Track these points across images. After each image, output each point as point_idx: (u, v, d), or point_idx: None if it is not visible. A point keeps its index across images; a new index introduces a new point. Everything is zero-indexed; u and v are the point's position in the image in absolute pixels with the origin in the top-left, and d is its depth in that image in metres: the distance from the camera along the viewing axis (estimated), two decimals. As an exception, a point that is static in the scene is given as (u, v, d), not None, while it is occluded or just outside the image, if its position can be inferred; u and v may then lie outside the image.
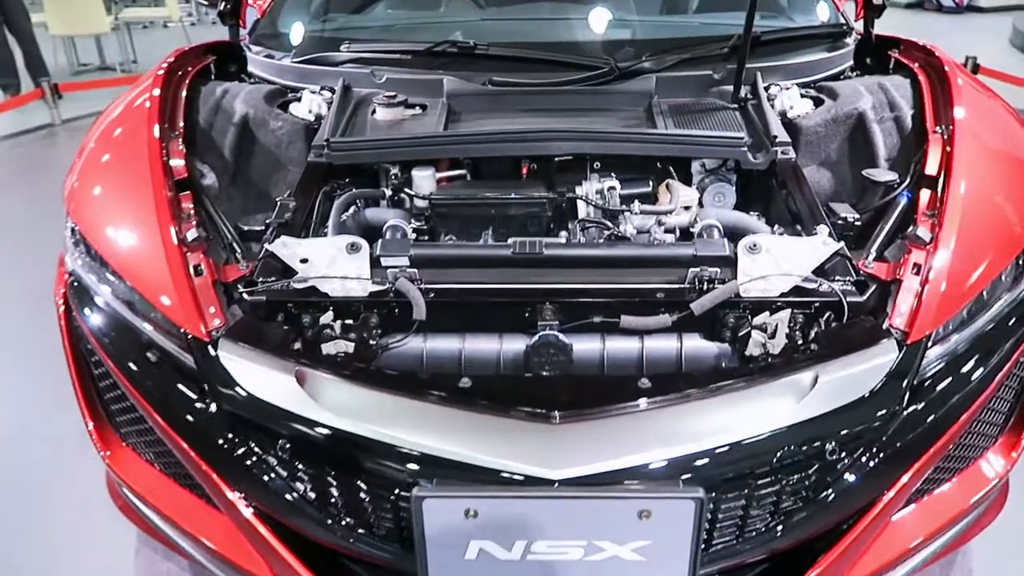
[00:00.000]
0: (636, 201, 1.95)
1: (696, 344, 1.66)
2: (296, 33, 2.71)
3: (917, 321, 1.52)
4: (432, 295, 1.64)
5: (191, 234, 1.71)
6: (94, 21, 7.74)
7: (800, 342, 1.60)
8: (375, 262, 1.68)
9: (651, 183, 2.07)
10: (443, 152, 2.07)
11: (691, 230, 1.82)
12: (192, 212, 1.80)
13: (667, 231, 1.96)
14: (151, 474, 1.80)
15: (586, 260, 1.68)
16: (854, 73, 2.60)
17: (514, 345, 1.65)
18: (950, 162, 1.83)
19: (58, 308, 1.92)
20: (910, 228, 1.75)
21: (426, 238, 2.03)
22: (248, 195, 2.18)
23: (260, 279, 1.67)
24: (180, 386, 1.56)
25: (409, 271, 1.64)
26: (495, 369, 1.65)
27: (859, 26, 2.75)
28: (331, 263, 1.66)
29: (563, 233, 1.96)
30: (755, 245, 1.64)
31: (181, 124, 2.09)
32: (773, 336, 1.60)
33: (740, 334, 1.60)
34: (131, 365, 1.64)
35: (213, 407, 1.51)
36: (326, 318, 1.62)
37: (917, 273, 1.61)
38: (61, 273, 1.96)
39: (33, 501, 2.47)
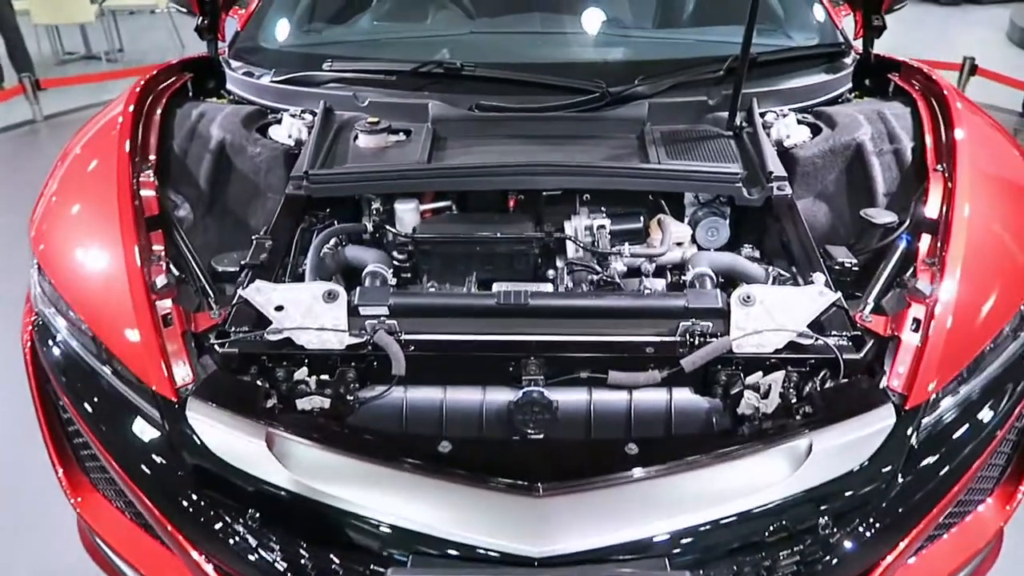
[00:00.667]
0: (626, 244, 1.89)
1: (686, 399, 1.60)
2: (276, 49, 2.61)
3: (916, 385, 1.47)
4: (412, 348, 1.57)
5: (160, 280, 1.63)
6: (78, 10, 7.57)
7: (794, 400, 1.54)
8: (353, 311, 1.61)
9: (642, 218, 2.00)
10: (427, 186, 1.99)
11: (683, 278, 1.75)
12: (163, 254, 1.72)
13: (658, 268, 1.90)
14: (121, 523, 1.73)
15: (573, 311, 1.61)
16: (852, 95, 2.52)
17: (498, 398, 1.59)
18: (951, 204, 1.77)
19: (24, 347, 1.84)
20: (908, 276, 1.69)
21: (408, 275, 1.97)
22: (225, 225, 2.10)
23: (233, 328, 1.60)
24: (146, 443, 1.49)
25: (388, 323, 1.57)
26: (478, 425, 1.59)
27: (858, 43, 2.68)
28: (307, 312, 1.59)
29: (551, 272, 1.90)
30: (749, 297, 1.58)
31: (153, 154, 2.00)
32: (766, 396, 1.54)
33: (732, 392, 1.54)
34: (96, 417, 1.58)
35: (180, 468, 1.44)
36: (300, 374, 1.55)
37: (916, 329, 1.55)
38: (28, 309, 1.88)
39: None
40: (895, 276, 1.77)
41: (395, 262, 1.98)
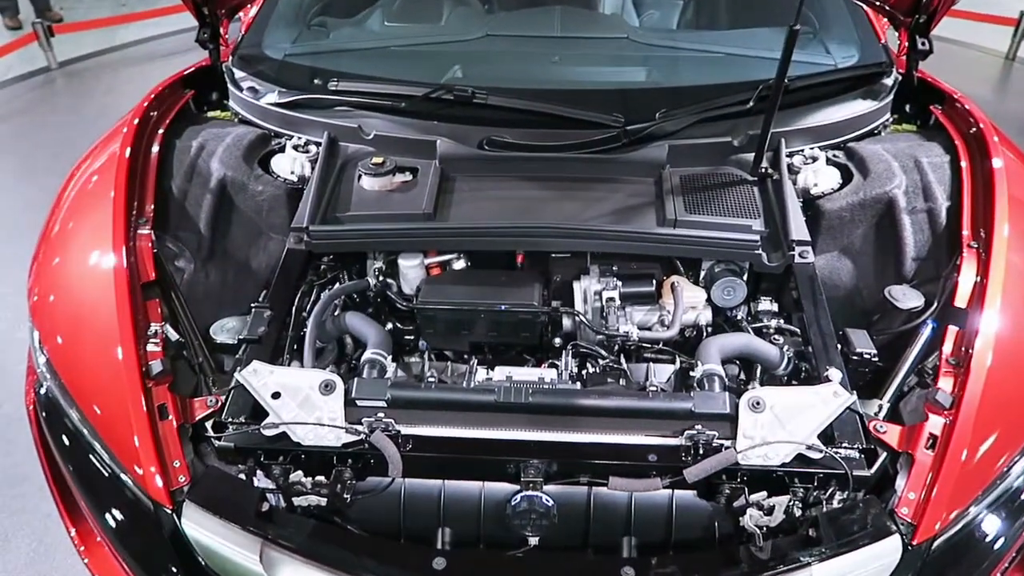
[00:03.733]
0: (633, 320, 1.82)
1: (689, 502, 1.56)
2: (280, 60, 2.49)
3: (926, 515, 1.41)
4: (410, 446, 1.54)
5: (156, 366, 1.60)
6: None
7: (799, 514, 1.50)
8: (350, 402, 1.57)
9: (654, 281, 1.91)
10: (431, 244, 1.92)
11: (692, 373, 1.69)
12: (160, 330, 1.68)
13: (669, 336, 1.83)
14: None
15: (575, 410, 1.56)
16: (891, 122, 2.36)
17: (496, 495, 1.56)
18: (983, 295, 1.66)
19: (28, 409, 1.85)
20: (929, 375, 1.61)
21: (411, 337, 1.93)
22: (227, 269, 2.05)
23: (229, 419, 1.57)
24: (139, 544, 1.50)
25: (385, 420, 1.54)
26: (476, 521, 1.57)
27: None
28: (304, 402, 1.56)
29: (557, 341, 1.84)
30: (759, 403, 1.52)
31: (151, 202, 1.94)
32: (770, 513, 1.49)
33: (735, 504, 1.50)
34: (93, 498, 1.59)
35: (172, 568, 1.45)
36: (296, 476, 1.54)
37: (932, 447, 1.48)
38: (30, 367, 1.88)
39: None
40: (916, 366, 1.69)
41: (397, 325, 1.94)
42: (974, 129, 2.12)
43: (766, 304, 1.95)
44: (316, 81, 2.32)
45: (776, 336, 1.85)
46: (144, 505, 1.50)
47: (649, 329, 1.90)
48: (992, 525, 1.48)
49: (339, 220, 1.95)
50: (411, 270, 1.94)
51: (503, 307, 1.78)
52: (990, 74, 6.39)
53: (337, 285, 1.92)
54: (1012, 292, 1.68)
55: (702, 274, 1.97)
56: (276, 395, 1.56)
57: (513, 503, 1.51)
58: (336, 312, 1.87)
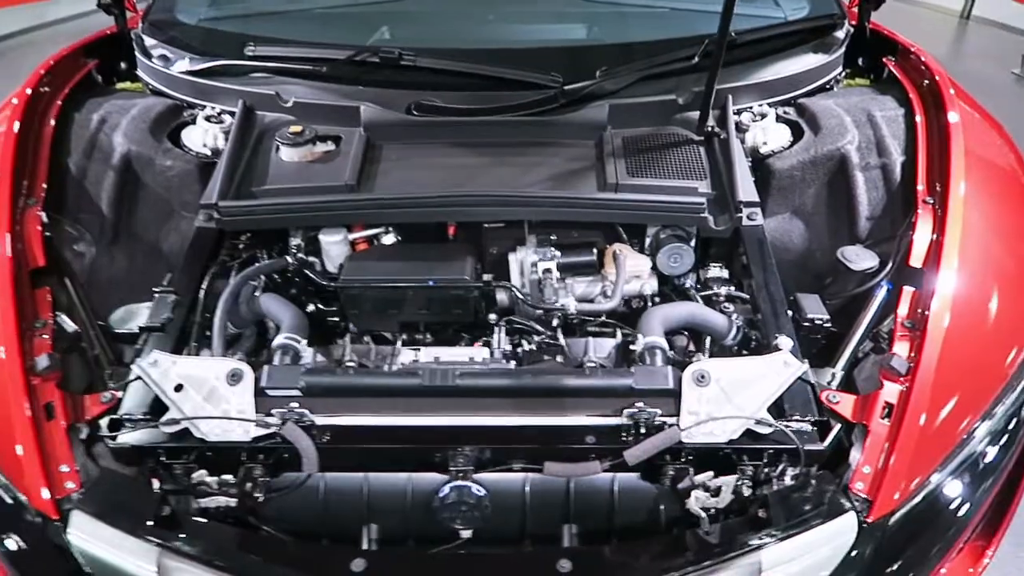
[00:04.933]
0: (572, 291, 1.70)
1: (632, 485, 1.45)
2: (194, 25, 2.30)
3: (883, 489, 1.31)
4: (327, 437, 1.41)
5: (42, 361, 1.44)
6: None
7: (748, 493, 1.39)
8: (261, 392, 1.43)
9: (595, 250, 1.79)
10: (354, 218, 1.77)
11: (631, 347, 1.57)
12: (49, 322, 1.52)
13: (610, 308, 1.71)
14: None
15: (506, 391, 1.44)
16: (843, 76, 2.25)
17: (425, 486, 1.44)
18: (939, 251, 1.57)
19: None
20: (884, 338, 1.52)
21: (336, 318, 1.79)
22: (135, 253, 1.89)
23: (125, 416, 1.42)
24: (21, 561, 1.34)
25: (298, 410, 1.40)
26: (403, 515, 1.45)
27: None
28: (210, 394, 1.41)
29: (492, 316, 1.71)
30: (703, 376, 1.40)
31: (44, 181, 1.76)
32: (717, 494, 1.39)
33: (680, 486, 1.39)
34: None
35: None
36: (199, 475, 1.39)
37: (889, 416, 1.39)
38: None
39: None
40: (871, 331, 1.59)
41: (319, 306, 1.79)
42: (929, 81, 2.02)
43: (716, 271, 1.84)
44: (231, 46, 2.14)
45: (726, 304, 1.74)
46: (29, 518, 1.35)
47: (591, 301, 1.78)
48: (955, 493, 1.39)
49: (254, 195, 1.79)
50: (334, 246, 1.79)
51: (431, 283, 1.65)
52: (945, 33, 6.34)
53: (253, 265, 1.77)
54: (969, 249, 1.59)
55: (647, 241, 1.85)
56: (179, 388, 1.42)
57: (441, 495, 1.39)
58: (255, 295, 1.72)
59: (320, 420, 1.41)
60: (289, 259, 1.77)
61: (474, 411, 1.42)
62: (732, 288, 1.77)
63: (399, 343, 1.63)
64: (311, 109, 1.98)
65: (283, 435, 1.38)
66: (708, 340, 1.71)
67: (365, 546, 1.45)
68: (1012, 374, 1.51)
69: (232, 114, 1.99)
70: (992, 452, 1.46)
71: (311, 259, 1.82)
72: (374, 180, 1.82)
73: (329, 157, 1.87)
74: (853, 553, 1.28)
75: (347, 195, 1.76)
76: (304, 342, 1.55)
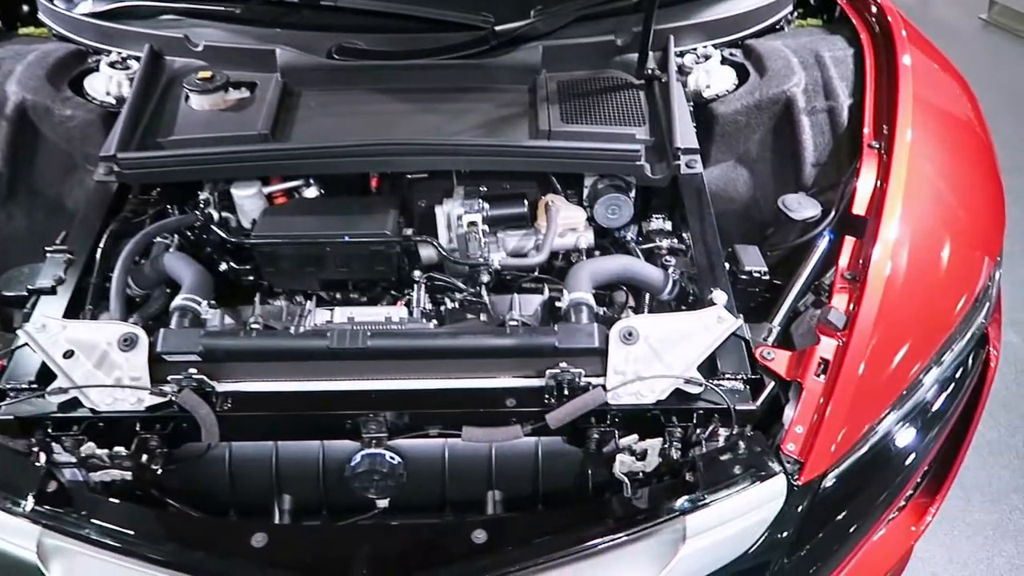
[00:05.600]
0: (501, 243, 1.60)
1: (557, 452, 1.37)
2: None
3: (815, 450, 1.25)
4: (229, 404, 1.32)
5: None
6: None
7: (676, 456, 1.32)
8: (157, 358, 1.33)
9: (526, 202, 1.69)
10: (267, 170, 1.65)
11: (557, 304, 1.48)
12: None
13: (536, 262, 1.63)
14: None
15: (421, 353, 1.35)
16: (794, 16, 2.15)
17: (338, 455, 1.35)
18: (883, 199, 1.49)
19: None
20: (823, 291, 1.44)
21: (251, 278, 1.68)
22: (34, 210, 1.75)
23: (10, 385, 1.31)
24: None
25: (197, 376, 1.30)
26: (316, 485, 1.37)
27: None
28: (101, 361, 1.31)
29: (416, 273, 1.61)
30: (631, 333, 1.32)
31: None
32: (644, 458, 1.32)
33: (606, 450, 1.32)
34: None
35: None
36: (88, 449, 1.29)
37: (824, 372, 1.31)
38: None
39: None
40: (812, 283, 1.51)
41: (233, 265, 1.68)
42: (880, 22, 1.92)
43: (658, 223, 1.75)
44: None
45: (668, 258, 1.65)
46: None
47: (524, 256, 1.68)
48: (899, 444, 1.35)
49: (160, 146, 1.66)
50: (247, 200, 1.67)
51: (346, 238, 1.54)
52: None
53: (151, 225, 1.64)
54: (915, 197, 1.52)
55: (585, 192, 1.75)
56: (68, 354, 1.31)
57: (352, 464, 1.30)
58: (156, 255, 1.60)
59: (221, 387, 1.32)
60: (197, 215, 1.65)
61: (387, 374, 1.34)
62: (675, 241, 1.68)
63: (309, 303, 1.53)
64: (223, 53, 1.85)
65: (179, 403, 1.28)
66: (648, 296, 1.63)
67: (277, 518, 1.37)
68: (959, 322, 1.46)
69: (138, 59, 1.85)
70: (939, 400, 1.42)
71: (225, 215, 1.71)
72: (291, 129, 1.71)
73: (242, 105, 1.75)
74: (782, 517, 1.22)
75: (260, 145, 1.64)
76: (205, 303, 1.44)
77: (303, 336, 1.37)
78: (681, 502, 1.21)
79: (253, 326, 1.39)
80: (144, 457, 1.30)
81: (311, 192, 1.72)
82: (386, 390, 1.33)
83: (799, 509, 1.23)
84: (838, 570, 1.36)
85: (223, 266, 1.68)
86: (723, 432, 1.33)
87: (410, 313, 1.49)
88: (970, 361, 1.51)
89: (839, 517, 1.31)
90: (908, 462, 1.37)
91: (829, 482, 1.27)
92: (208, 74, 1.74)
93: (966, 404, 1.54)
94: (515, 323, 1.39)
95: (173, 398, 1.29)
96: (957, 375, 1.47)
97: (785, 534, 1.24)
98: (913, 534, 1.61)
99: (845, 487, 1.29)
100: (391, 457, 1.30)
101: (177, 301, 1.43)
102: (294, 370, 1.35)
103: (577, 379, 1.31)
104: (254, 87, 1.78)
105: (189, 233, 1.70)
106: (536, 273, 1.68)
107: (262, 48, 1.82)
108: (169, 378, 1.30)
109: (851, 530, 1.31)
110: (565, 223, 1.67)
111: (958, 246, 1.54)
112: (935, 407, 1.41)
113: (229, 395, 1.32)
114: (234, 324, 1.51)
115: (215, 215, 1.67)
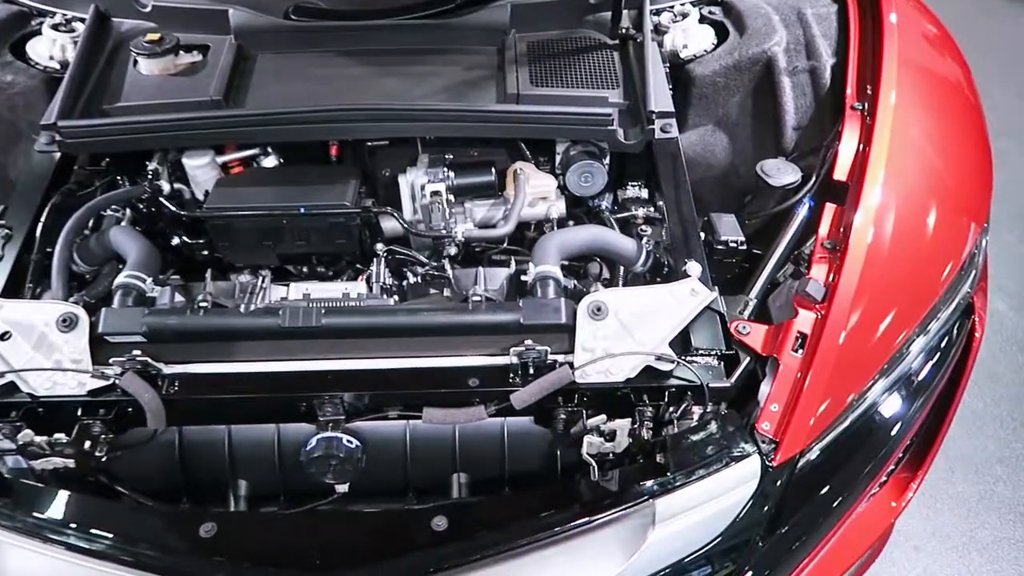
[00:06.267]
0: (468, 222, 1.53)
1: (525, 433, 1.32)
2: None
3: (790, 430, 1.19)
4: (176, 388, 1.25)
5: None
6: None
7: (647, 437, 1.26)
8: (99, 339, 1.25)
9: (493, 169, 1.60)
10: (220, 138, 1.56)
11: (523, 278, 1.40)
12: None
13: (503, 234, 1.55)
14: None
15: (378, 331, 1.28)
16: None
17: (295, 438, 1.29)
18: (865, 163, 1.42)
19: None
20: (803, 262, 1.38)
21: (205, 252, 1.60)
22: (-25, 182, 1.66)
23: None
24: None
25: (141, 358, 1.23)
26: (273, 470, 1.30)
27: None
28: (40, 342, 1.24)
29: (379, 246, 1.54)
30: (600, 308, 1.25)
31: None
32: (613, 439, 1.26)
33: (574, 431, 1.26)
34: None
35: None
36: (25, 437, 1.22)
37: (801, 348, 1.25)
38: None
39: None
40: (791, 253, 1.45)
41: (186, 240, 1.60)
42: None
43: (634, 190, 1.67)
44: None
45: (644, 227, 1.58)
46: None
47: (493, 226, 1.61)
48: (883, 416, 1.29)
49: (105, 113, 1.57)
50: (200, 171, 1.59)
51: (301, 210, 1.46)
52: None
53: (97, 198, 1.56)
54: (900, 161, 1.45)
55: (557, 159, 1.67)
56: (5, 336, 1.24)
57: (308, 448, 1.24)
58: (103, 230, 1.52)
59: (167, 369, 1.25)
60: (145, 186, 1.56)
61: (343, 353, 1.27)
62: (651, 209, 1.61)
63: (262, 279, 1.45)
64: (173, 14, 1.74)
65: (122, 387, 1.21)
66: (623, 268, 1.56)
67: (232, 504, 1.31)
68: (945, 290, 1.41)
69: (83, 21, 1.74)
70: (924, 370, 1.37)
71: (177, 186, 1.62)
72: (245, 94, 1.62)
73: (194, 69, 1.65)
74: (757, 499, 1.17)
75: (212, 112, 1.55)
76: (151, 280, 1.36)
77: (253, 314, 1.30)
78: (650, 485, 1.15)
79: (201, 304, 1.31)
80: (87, 444, 1.23)
81: (270, 161, 1.64)
82: (342, 370, 1.26)
83: (778, 485, 1.18)
84: (820, 546, 1.32)
85: (176, 240, 1.60)
86: (697, 410, 1.27)
87: (369, 289, 1.42)
88: (955, 331, 1.46)
89: (823, 491, 1.26)
90: (893, 433, 1.32)
91: (813, 454, 1.22)
92: (157, 36, 1.64)
93: (950, 376, 1.48)
94: (478, 298, 1.32)
95: (116, 381, 1.22)
96: (942, 345, 1.41)
97: (760, 516, 1.19)
98: (894, 510, 1.57)
99: (829, 460, 1.24)
100: (348, 441, 1.24)
101: (120, 279, 1.35)
102: (245, 350, 1.28)
103: (543, 357, 1.25)
104: (206, 50, 1.68)
105: (141, 206, 1.61)
106: (506, 245, 1.60)
107: (214, 8, 1.72)
108: (111, 360, 1.23)
109: (835, 504, 1.26)
110: (535, 192, 1.59)
111: (944, 212, 1.48)
112: (920, 377, 1.36)
113: (176, 377, 1.25)
114: (184, 301, 1.43)
115: (166, 186, 1.58)
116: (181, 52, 1.66)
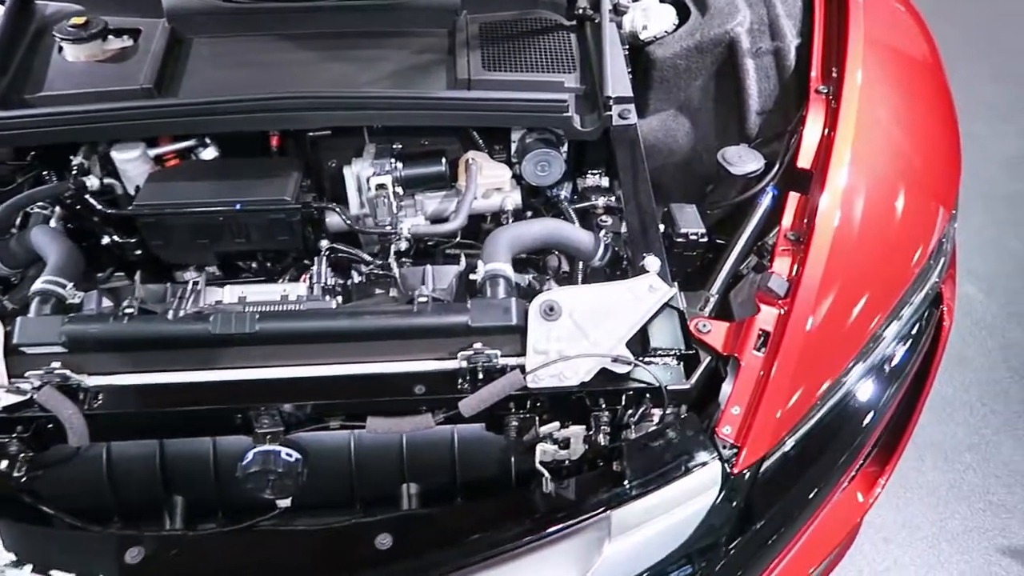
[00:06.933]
0: (419, 215, 1.45)
1: (476, 441, 1.24)
2: None
3: (752, 433, 1.13)
4: (99, 401, 1.16)
5: None
6: None
7: (604, 443, 1.20)
8: (13, 349, 1.16)
9: (443, 160, 1.52)
10: (151, 129, 1.47)
11: (472, 277, 1.33)
12: None
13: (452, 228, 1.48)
14: None
15: (317, 336, 1.20)
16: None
17: (232, 451, 1.21)
18: (830, 149, 1.36)
19: None
20: (765, 253, 1.32)
21: (139, 252, 1.51)
22: None
23: None
24: None
25: (60, 371, 1.14)
26: (210, 486, 1.23)
27: None
28: (-49, 356, 1.15)
29: (324, 243, 1.46)
30: (552, 309, 1.19)
31: None
32: (567, 446, 1.19)
33: (527, 438, 1.19)
34: None
35: None
36: None
37: (764, 346, 1.19)
38: None
39: None
40: (754, 245, 1.39)
41: (116, 239, 1.51)
42: None
43: (594, 179, 1.60)
44: None
45: (604, 218, 1.51)
46: None
47: (445, 220, 1.53)
48: (857, 403, 1.25)
49: (27, 103, 1.47)
50: (130, 164, 1.49)
51: (239, 206, 1.37)
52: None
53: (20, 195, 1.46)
54: (867, 145, 1.40)
55: (513, 148, 1.59)
56: (-90, 348, 1.15)
57: (244, 463, 1.16)
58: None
59: (90, 380, 1.17)
60: (69, 183, 1.46)
61: (280, 360, 1.19)
62: (612, 199, 1.54)
63: (193, 281, 1.36)
64: None
65: (40, 403, 1.13)
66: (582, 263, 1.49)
67: (168, 523, 1.24)
68: (916, 275, 1.36)
69: (3, 2, 1.63)
70: (897, 357, 1.33)
71: (108, 181, 1.53)
72: (179, 82, 1.52)
73: (124, 55, 1.55)
74: (718, 507, 1.11)
75: (143, 101, 1.46)
76: (71, 286, 1.27)
77: (183, 320, 1.21)
78: (606, 496, 1.09)
79: (127, 310, 1.22)
80: (3, 463, 1.15)
81: (209, 153, 1.55)
82: (278, 379, 1.18)
83: (741, 488, 1.12)
84: (791, 544, 1.27)
85: (107, 240, 1.51)
86: (656, 413, 1.21)
87: (310, 290, 1.34)
88: (925, 321, 1.41)
89: (796, 486, 1.22)
90: (866, 423, 1.28)
91: (785, 448, 1.17)
92: (83, 20, 1.54)
93: (919, 367, 1.44)
94: (424, 299, 1.24)
95: (33, 396, 1.13)
96: (914, 332, 1.37)
97: (723, 522, 1.14)
98: (862, 505, 1.53)
99: (801, 454, 1.19)
100: (287, 454, 1.16)
101: (38, 284, 1.26)
102: (174, 359, 1.19)
103: (493, 361, 1.18)
104: (137, 34, 1.58)
105: (70, 204, 1.52)
106: (460, 239, 1.53)
107: None
108: (27, 374, 1.14)
109: (810, 496, 1.22)
110: (488, 183, 1.52)
111: (912, 195, 1.43)
112: (894, 363, 1.32)
113: (100, 390, 1.17)
114: (111, 307, 1.34)
115: (95, 181, 1.49)
116: (110, 37, 1.57)
